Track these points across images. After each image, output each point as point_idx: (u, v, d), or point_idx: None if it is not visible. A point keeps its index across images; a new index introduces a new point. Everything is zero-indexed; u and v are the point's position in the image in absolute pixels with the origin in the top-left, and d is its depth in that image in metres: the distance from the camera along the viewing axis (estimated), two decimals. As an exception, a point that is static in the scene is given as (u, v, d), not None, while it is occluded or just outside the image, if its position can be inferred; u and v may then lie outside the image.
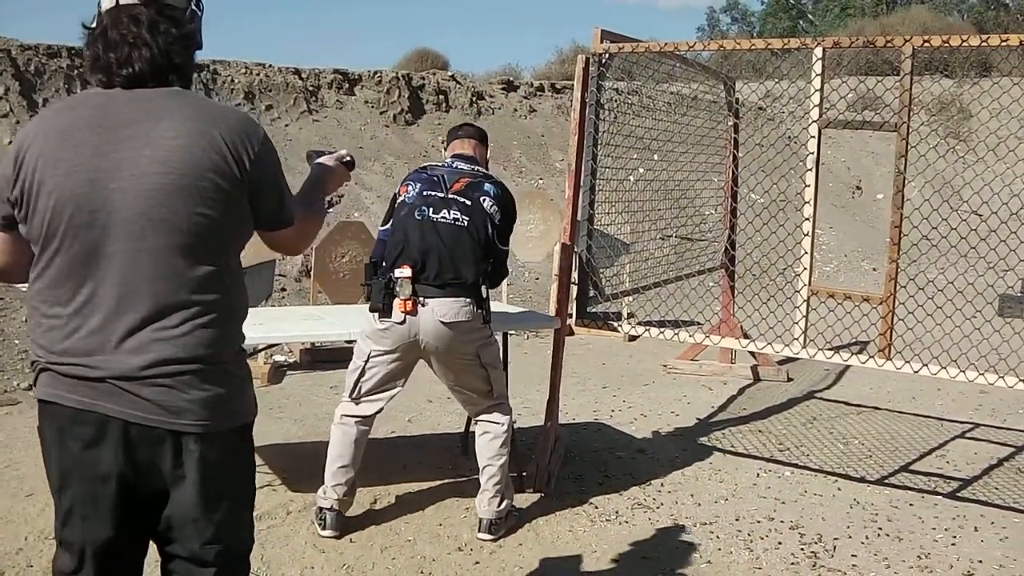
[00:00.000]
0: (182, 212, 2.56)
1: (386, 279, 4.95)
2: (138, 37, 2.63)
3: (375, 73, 16.53)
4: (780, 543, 5.27)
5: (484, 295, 5.06)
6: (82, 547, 2.69)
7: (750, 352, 8.37)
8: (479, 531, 5.16)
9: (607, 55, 6.19)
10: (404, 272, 4.91)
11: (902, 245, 5.64)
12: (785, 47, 6.29)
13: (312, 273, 9.92)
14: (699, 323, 8.03)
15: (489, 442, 5.21)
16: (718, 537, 5.32)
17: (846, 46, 6.19)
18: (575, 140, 6.10)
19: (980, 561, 5.10)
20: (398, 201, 5.16)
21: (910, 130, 5.58)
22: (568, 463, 6.32)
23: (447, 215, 4.99)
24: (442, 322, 4.91)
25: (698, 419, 7.71)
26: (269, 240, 2.90)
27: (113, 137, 2.57)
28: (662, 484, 6.09)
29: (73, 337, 2.59)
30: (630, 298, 9.84)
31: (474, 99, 17.44)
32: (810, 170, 5.77)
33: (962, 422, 7.78)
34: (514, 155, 16.52)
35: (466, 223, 4.99)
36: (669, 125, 7.45)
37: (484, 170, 5.28)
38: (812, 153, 5.76)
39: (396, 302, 4.91)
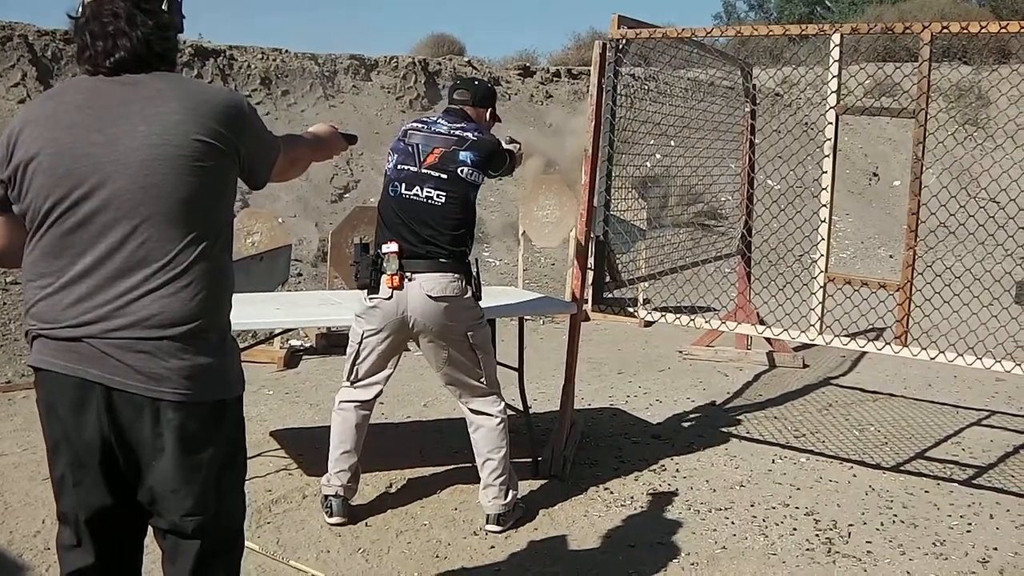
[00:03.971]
0: (174, 183, 2.64)
1: (374, 255, 4.91)
2: (118, 29, 2.72)
3: (391, 58, 16.49)
4: (795, 529, 5.27)
5: (474, 271, 5.01)
6: (76, 516, 2.76)
7: (766, 338, 8.37)
8: (487, 523, 5.13)
9: (624, 41, 6.17)
10: (391, 248, 4.85)
11: (920, 232, 5.62)
12: (803, 33, 6.27)
13: (328, 258, 9.92)
14: (715, 309, 8.02)
15: (485, 435, 5.15)
16: (733, 523, 5.33)
17: (864, 32, 6.16)
18: (592, 126, 6.09)
19: (995, 548, 5.10)
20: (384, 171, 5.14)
21: (928, 117, 5.56)
22: (584, 448, 6.33)
23: (419, 192, 4.90)
24: (429, 296, 4.84)
25: (713, 405, 7.72)
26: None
27: (105, 116, 2.66)
28: (677, 470, 6.10)
29: (64, 305, 2.65)
30: (646, 284, 9.85)
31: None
32: (827, 156, 5.75)
33: (978, 409, 7.77)
34: (530, 140, 16.45)
35: (442, 200, 4.89)
36: (686, 111, 7.44)
37: (461, 131, 5.05)
38: (829, 139, 5.75)
39: (383, 278, 4.86)
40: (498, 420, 5.14)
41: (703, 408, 7.62)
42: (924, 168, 5.57)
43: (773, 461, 6.33)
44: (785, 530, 5.26)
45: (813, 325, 5.71)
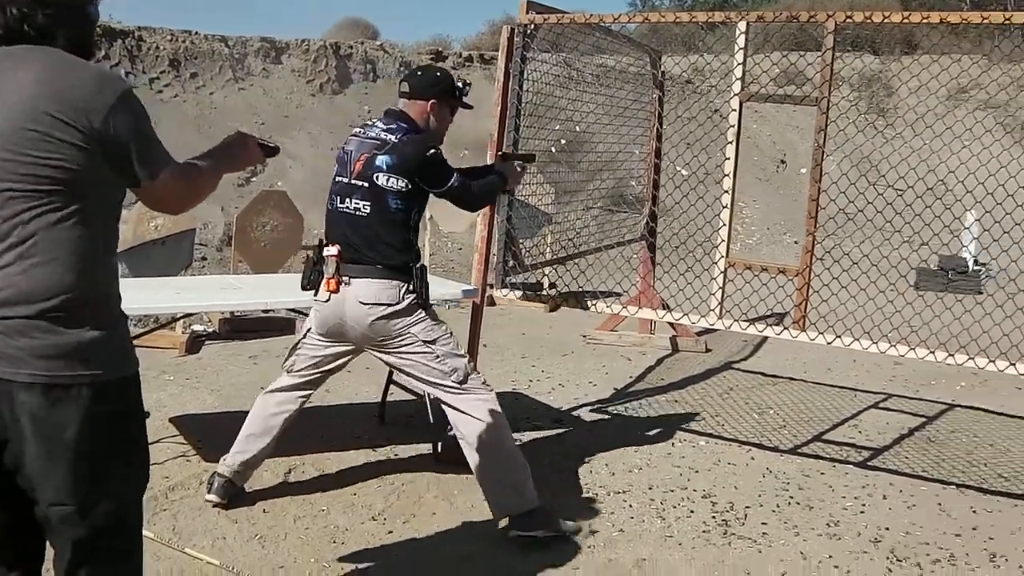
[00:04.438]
0: (24, 157, 2.55)
1: (315, 257, 4.83)
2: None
3: (303, 41, 16.38)
4: (692, 512, 5.33)
5: (417, 275, 4.79)
6: None
7: (669, 323, 8.44)
8: (507, 529, 4.90)
9: (532, 26, 6.17)
10: (331, 251, 4.76)
11: (821, 219, 5.70)
12: (710, 20, 6.31)
13: (233, 242, 9.83)
14: (620, 294, 8.07)
15: (468, 434, 4.89)
16: (631, 506, 5.37)
17: (770, 20, 6.22)
18: (498, 111, 6.08)
19: (887, 528, 5.21)
20: None
21: (831, 105, 5.63)
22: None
23: (349, 204, 4.77)
24: (361, 302, 4.71)
25: (615, 389, 7.76)
26: (141, 197, 2.82)
27: None
28: (577, 453, 6.11)
29: None
30: (551, 269, 9.88)
31: (401, 69, 17.33)
32: (731, 143, 5.80)
33: (875, 392, 7.93)
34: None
35: (368, 210, 4.73)
36: (594, 97, 7.46)
37: (387, 134, 4.82)
38: (733, 126, 5.80)
39: (323, 281, 4.79)
40: (480, 420, 4.87)
41: (605, 392, 7.65)
42: (827, 156, 5.65)
43: (672, 444, 6.39)
44: (682, 512, 5.31)
45: (713, 310, 5.76)
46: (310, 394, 5.25)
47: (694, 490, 5.62)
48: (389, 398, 6.44)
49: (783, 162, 20.06)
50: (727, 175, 5.76)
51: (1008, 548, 5.04)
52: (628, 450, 6.23)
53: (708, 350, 9.16)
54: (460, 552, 4.76)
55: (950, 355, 5.14)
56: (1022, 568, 4.83)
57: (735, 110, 5.80)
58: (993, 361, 5.05)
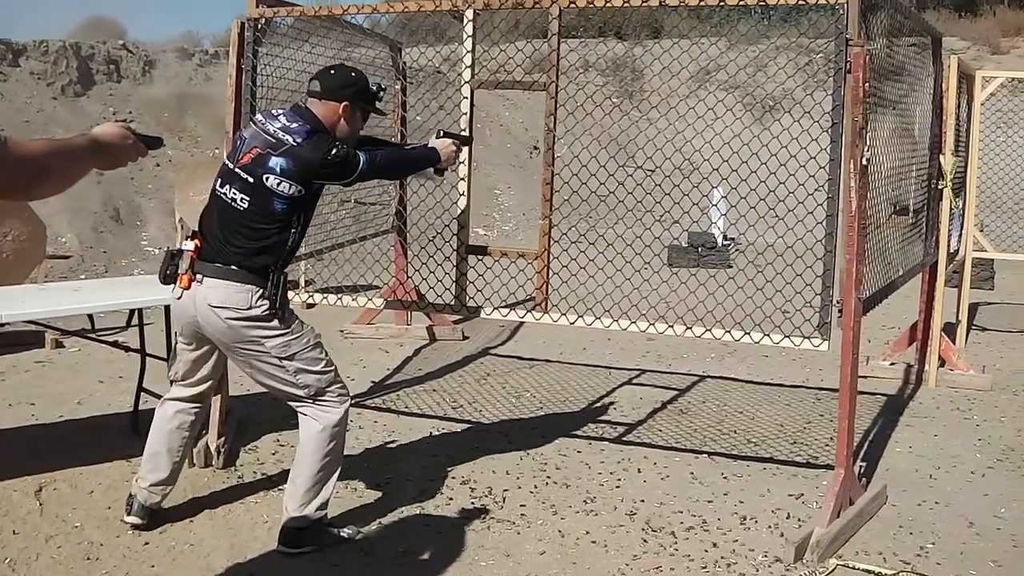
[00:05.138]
0: None
1: (176, 249, 4.61)
2: None
3: (41, 43, 15.78)
4: (451, 499, 5.36)
5: (275, 281, 4.53)
6: None
7: (425, 312, 8.48)
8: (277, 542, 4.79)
9: (264, 20, 6.08)
10: (188, 246, 4.54)
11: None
12: (438, 9, 6.31)
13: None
14: (377, 286, 8.05)
15: (302, 439, 4.76)
16: (390, 497, 5.37)
17: (496, 8, 6.26)
18: (232, 107, 5.98)
19: (642, 500, 5.35)
20: None
21: (558, 89, 5.73)
22: (241, 435, 6.19)
23: (228, 192, 4.51)
24: (210, 305, 4.47)
25: (373, 382, 7.74)
26: None
27: None
28: (336, 450, 6.08)
29: None
30: (308, 264, 9.79)
31: (147, 68, 16.92)
32: (464, 131, 5.84)
33: (629, 369, 8.13)
34: (189, 124, 16.14)
35: (245, 205, 4.47)
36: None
37: (285, 132, 4.52)
38: (466, 114, 5.85)
39: (179, 277, 4.56)
40: (320, 427, 4.71)
41: (363, 386, 7.59)
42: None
43: (431, 434, 6.42)
44: (441, 501, 5.34)
45: (457, 298, 5.80)
46: (202, 394, 5.03)
47: (453, 478, 5.66)
48: (142, 406, 6.25)
49: (536, 148, 20.32)
50: (462, 162, 5.80)
51: (757, 510, 5.25)
52: (386, 443, 6.25)
53: (465, 337, 9.21)
54: (216, 558, 4.69)
55: (688, 328, 5.29)
56: (771, 528, 5.04)
57: (467, 98, 5.85)
58: (729, 331, 5.22)
